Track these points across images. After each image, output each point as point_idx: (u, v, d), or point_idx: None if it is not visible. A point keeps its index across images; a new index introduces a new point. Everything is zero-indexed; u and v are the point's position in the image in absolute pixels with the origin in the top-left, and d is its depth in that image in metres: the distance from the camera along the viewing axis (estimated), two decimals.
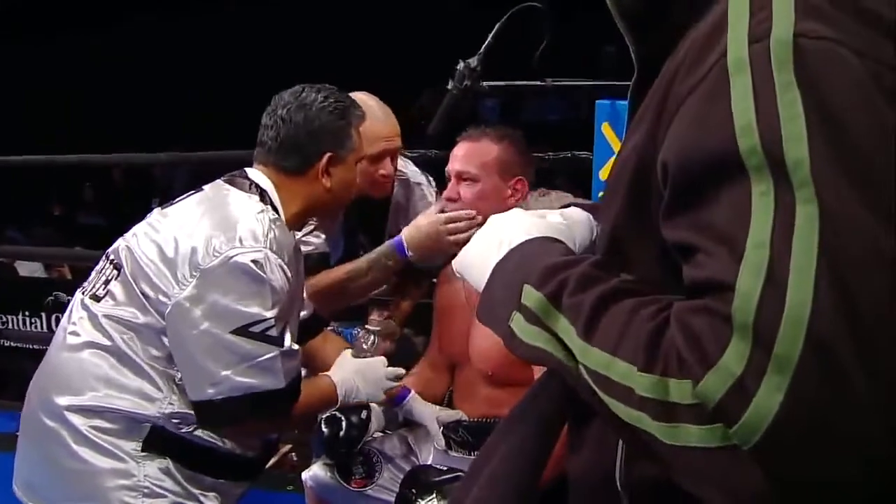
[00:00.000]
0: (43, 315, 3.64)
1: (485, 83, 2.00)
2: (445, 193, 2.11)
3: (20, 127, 7.66)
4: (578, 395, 0.75)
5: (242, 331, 1.58)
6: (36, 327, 3.63)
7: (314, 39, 9.05)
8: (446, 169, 2.13)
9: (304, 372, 1.80)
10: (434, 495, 1.89)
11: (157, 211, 1.81)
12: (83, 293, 1.75)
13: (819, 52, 0.64)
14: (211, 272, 1.59)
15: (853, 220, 0.61)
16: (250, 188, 1.75)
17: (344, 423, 2.03)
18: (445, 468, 1.97)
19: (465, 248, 0.90)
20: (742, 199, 0.64)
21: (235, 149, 2.89)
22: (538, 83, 2.35)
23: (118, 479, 1.63)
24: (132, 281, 1.66)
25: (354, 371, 1.90)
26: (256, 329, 1.59)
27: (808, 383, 0.59)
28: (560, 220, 0.93)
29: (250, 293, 1.59)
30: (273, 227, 1.66)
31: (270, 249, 1.62)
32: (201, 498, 1.71)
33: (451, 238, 2.08)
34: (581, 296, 0.73)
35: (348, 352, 1.97)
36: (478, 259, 0.86)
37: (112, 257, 1.74)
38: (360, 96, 2.09)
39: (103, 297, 1.69)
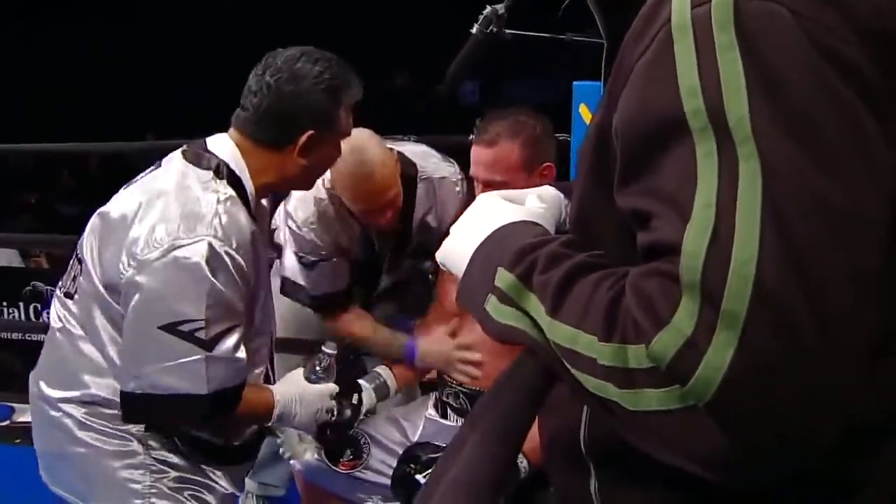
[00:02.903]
0: (21, 304, 3.61)
1: (508, 31, 1.96)
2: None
3: None
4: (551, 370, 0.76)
5: (170, 328, 1.50)
6: (14, 317, 3.60)
7: (289, 22, 9.00)
8: (471, 172, 2.10)
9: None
10: (432, 470, 1.90)
11: (115, 197, 1.72)
12: (60, 290, 1.74)
13: (757, 12, 0.66)
14: (148, 263, 1.51)
15: (795, 174, 0.62)
16: (208, 163, 1.62)
17: (336, 408, 2.02)
18: (442, 445, 1.98)
19: (446, 241, 0.91)
20: (688, 161, 0.65)
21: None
22: (559, 37, 2.28)
23: (124, 459, 1.64)
24: (92, 273, 1.62)
25: (298, 394, 1.78)
26: (185, 328, 1.50)
27: (758, 337, 0.60)
28: (538, 204, 0.95)
29: (184, 290, 1.51)
30: (220, 212, 1.54)
31: (215, 237, 1.52)
32: (209, 472, 1.70)
33: (460, 367, 2.12)
34: (549, 274, 0.74)
35: (300, 371, 1.86)
36: (458, 248, 0.88)
37: (77, 252, 1.70)
38: (358, 143, 2.04)
39: (74, 293, 1.67)
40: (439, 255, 0.92)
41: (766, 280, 0.60)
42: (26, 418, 2.87)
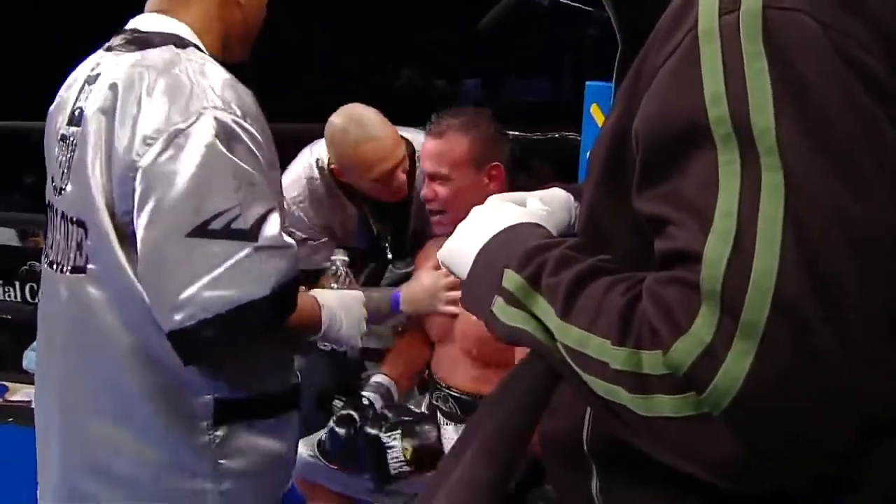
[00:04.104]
0: (17, 284, 3.60)
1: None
2: (422, 192, 2.08)
3: None
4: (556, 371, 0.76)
5: (201, 230, 1.20)
6: (10, 297, 3.58)
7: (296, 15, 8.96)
8: (420, 166, 2.10)
9: None
10: (399, 431, 1.91)
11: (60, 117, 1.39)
12: (59, 269, 1.48)
13: (787, 22, 0.66)
14: (148, 169, 1.21)
15: (818, 187, 0.63)
16: (160, 40, 1.32)
17: (359, 423, 2.00)
18: (418, 411, 2.00)
19: (448, 240, 0.91)
20: (709, 169, 0.65)
21: None
22: (586, 8, 2.27)
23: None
24: (101, 214, 1.30)
25: (338, 302, 1.53)
26: (218, 224, 1.20)
27: (776, 347, 0.61)
28: (540, 206, 0.95)
29: (203, 180, 1.20)
30: (209, 78, 1.26)
31: (216, 108, 1.23)
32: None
33: (446, 298, 2.08)
34: (559, 276, 0.74)
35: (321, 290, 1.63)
36: (461, 249, 0.88)
37: (62, 213, 1.41)
38: (354, 114, 2.07)
39: (86, 263, 1.37)
40: (441, 256, 0.92)
41: (786, 291, 0.61)
42: (19, 397, 2.87)
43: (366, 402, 2.04)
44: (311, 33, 8.49)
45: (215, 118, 1.22)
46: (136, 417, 1.33)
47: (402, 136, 2.25)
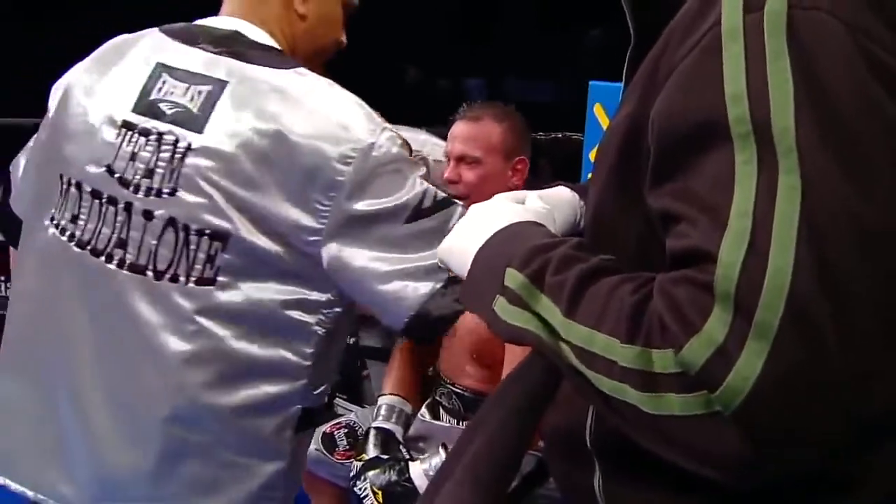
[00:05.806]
0: None
1: None
2: (446, 175, 2.05)
3: None
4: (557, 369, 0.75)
5: (415, 214, 1.26)
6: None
7: None
8: (445, 150, 2.08)
9: None
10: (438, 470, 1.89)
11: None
12: (182, 281, 1.34)
13: (811, 23, 0.65)
14: (357, 180, 1.25)
15: (835, 191, 0.62)
16: (269, 54, 1.33)
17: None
18: (386, 457, 1.96)
19: (447, 237, 0.90)
20: (726, 168, 0.65)
21: None
22: None
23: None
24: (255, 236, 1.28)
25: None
26: (427, 203, 1.26)
27: (788, 348, 0.60)
28: (540, 205, 0.94)
29: (398, 180, 1.26)
30: (346, 93, 1.32)
31: (380, 119, 1.31)
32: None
33: None
34: (563, 275, 0.73)
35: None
36: (460, 247, 0.87)
37: (206, 225, 1.30)
38: None
39: (227, 276, 1.34)
40: (440, 253, 0.91)
41: (799, 294, 0.60)
42: None
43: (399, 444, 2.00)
44: None
45: (386, 128, 1.29)
46: (214, 430, 1.27)
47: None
